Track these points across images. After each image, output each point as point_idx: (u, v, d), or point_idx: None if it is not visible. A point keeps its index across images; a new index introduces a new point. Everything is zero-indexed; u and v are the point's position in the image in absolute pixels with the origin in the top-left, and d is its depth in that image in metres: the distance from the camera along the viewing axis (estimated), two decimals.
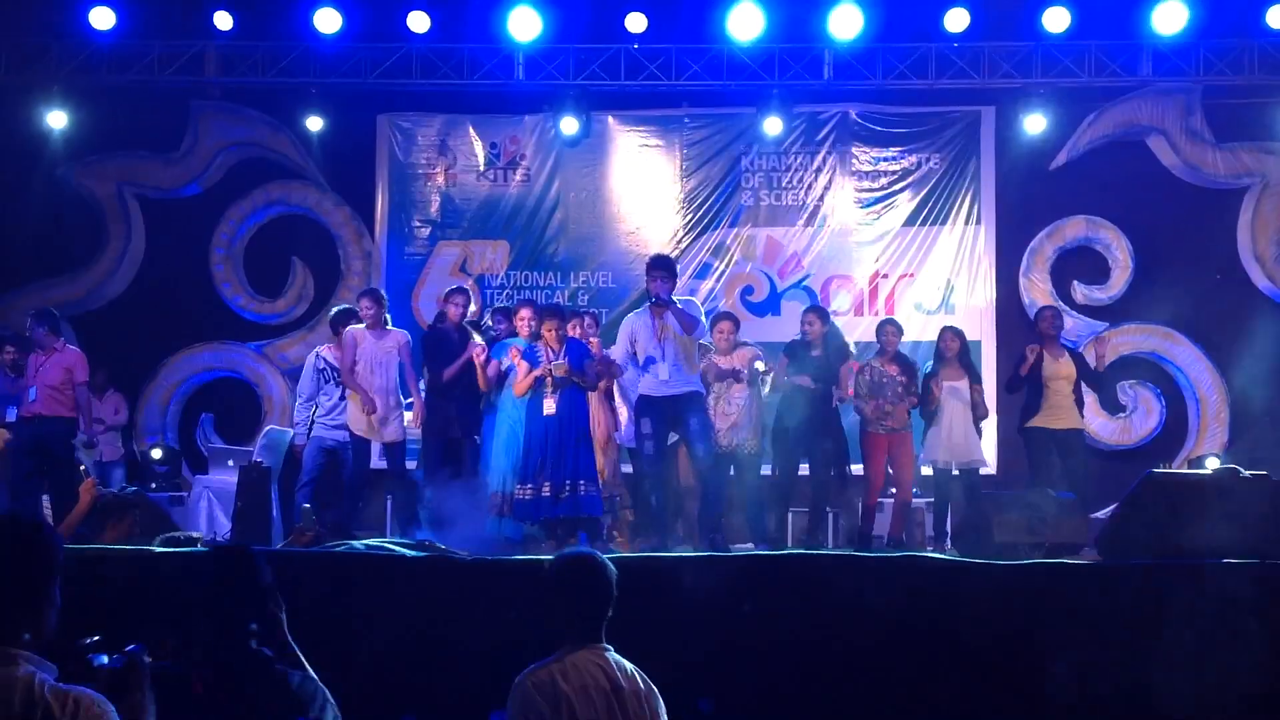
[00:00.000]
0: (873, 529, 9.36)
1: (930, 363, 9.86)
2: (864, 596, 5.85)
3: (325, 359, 9.64)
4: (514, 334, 9.17)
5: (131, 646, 2.81)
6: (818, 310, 9.79)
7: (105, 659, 2.78)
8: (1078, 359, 9.68)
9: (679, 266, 10.03)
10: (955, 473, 9.52)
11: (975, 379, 9.59)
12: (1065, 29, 11.70)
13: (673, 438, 8.79)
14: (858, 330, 11.85)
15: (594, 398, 9.01)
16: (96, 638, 2.84)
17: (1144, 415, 12.26)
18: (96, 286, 12.71)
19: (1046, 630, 5.65)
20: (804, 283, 12.66)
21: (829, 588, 5.92)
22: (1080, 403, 9.55)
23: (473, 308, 10.06)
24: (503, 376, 9.00)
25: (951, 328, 9.94)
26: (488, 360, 9.06)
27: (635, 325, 8.58)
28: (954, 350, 9.59)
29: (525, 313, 9.14)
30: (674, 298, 8.45)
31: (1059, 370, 9.45)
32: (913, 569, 6.13)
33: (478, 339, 9.33)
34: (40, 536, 2.71)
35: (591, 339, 9.38)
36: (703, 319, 8.69)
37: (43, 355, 9.63)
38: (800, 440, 9.16)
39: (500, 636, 5.58)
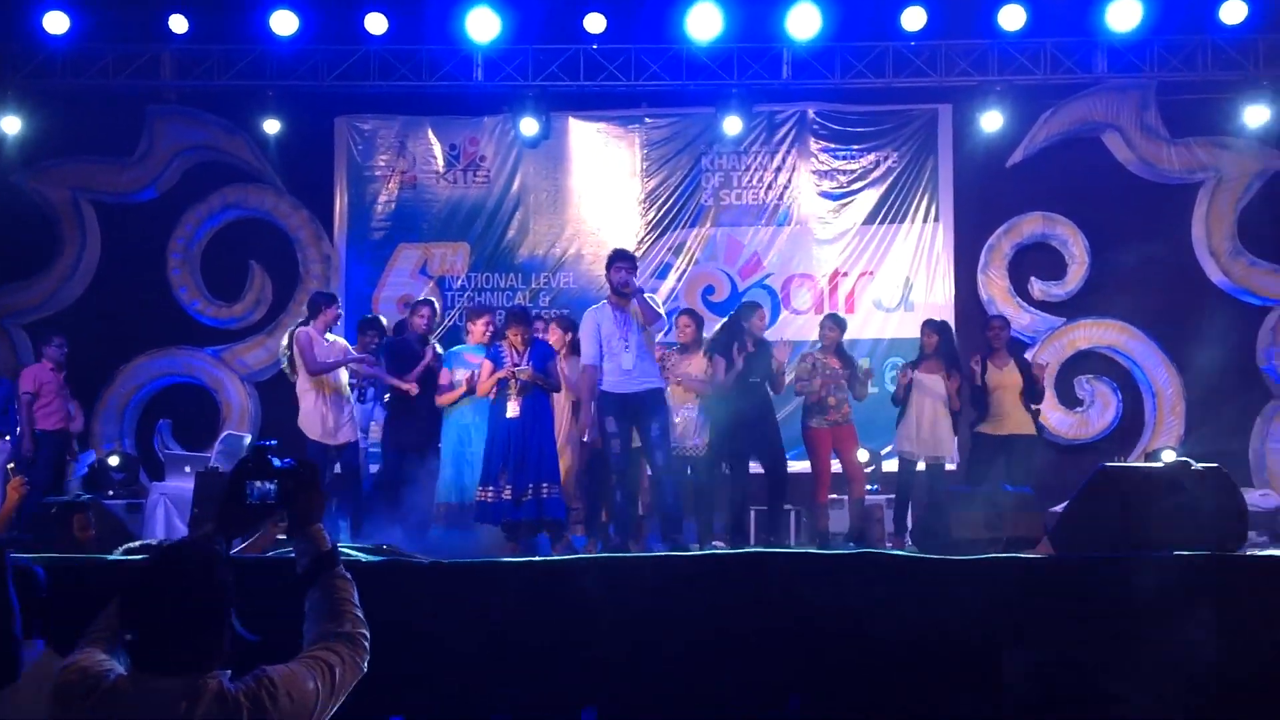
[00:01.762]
0: (829, 525, 9.37)
1: (897, 359, 9.90)
2: (824, 593, 5.87)
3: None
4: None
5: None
6: (758, 306, 9.66)
7: (278, 461, 2.93)
8: (1024, 369, 9.67)
9: (640, 266, 10.03)
10: (920, 466, 9.56)
11: (953, 372, 9.58)
12: (1021, 27, 11.81)
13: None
14: (815, 329, 11.86)
15: (558, 400, 8.99)
16: (274, 441, 3.00)
17: (1101, 409, 12.35)
18: (52, 293, 12.59)
19: (1004, 624, 5.68)
20: (765, 281, 12.69)
21: (791, 585, 5.94)
22: (1028, 406, 9.56)
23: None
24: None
25: (931, 321, 9.96)
26: (438, 368, 9.07)
27: (599, 318, 8.51)
28: (932, 345, 9.63)
29: (481, 322, 9.15)
30: (639, 290, 8.42)
31: (1003, 380, 9.52)
32: (871, 565, 6.16)
33: (438, 348, 9.35)
34: (218, 565, 2.72)
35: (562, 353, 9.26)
36: (662, 313, 8.65)
37: None
38: (748, 439, 9.06)
39: (460, 639, 5.58)
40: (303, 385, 9.11)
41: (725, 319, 9.66)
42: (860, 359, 9.96)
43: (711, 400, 9.04)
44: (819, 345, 9.68)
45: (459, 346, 9.41)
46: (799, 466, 9.67)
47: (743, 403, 8.88)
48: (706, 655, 5.71)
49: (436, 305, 9.95)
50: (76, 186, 12.64)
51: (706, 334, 9.58)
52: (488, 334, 9.11)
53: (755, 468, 9.18)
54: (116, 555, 5.76)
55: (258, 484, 2.90)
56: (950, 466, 9.94)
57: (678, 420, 9.07)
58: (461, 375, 8.91)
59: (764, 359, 9.04)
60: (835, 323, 9.68)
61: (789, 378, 9.53)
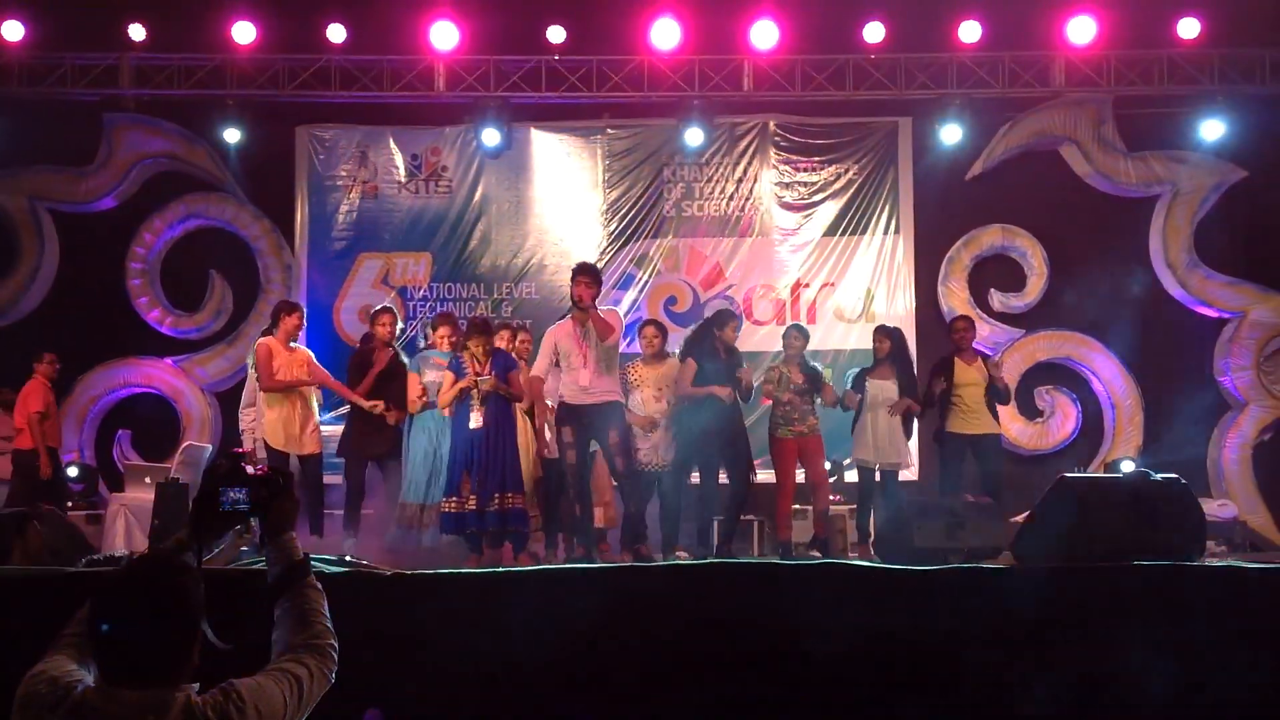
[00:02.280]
0: (791, 535, 9.38)
1: (828, 369, 9.94)
2: (787, 605, 5.89)
3: None
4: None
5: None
6: (734, 315, 9.70)
7: (251, 468, 2.93)
8: (990, 368, 9.74)
9: (603, 277, 10.03)
10: (878, 475, 9.58)
11: (905, 380, 9.60)
12: (979, 41, 11.91)
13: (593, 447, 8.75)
14: (779, 340, 11.90)
15: (520, 410, 9.00)
16: (246, 449, 2.99)
17: (1061, 420, 12.44)
18: (10, 302, 12.45)
19: (965, 634, 5.71)
20: (726, 292, 12.73)
21: (753, 597, 5.95)
22: (993, 407, 9.64)
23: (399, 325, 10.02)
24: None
25: (883, 327, 10.00)
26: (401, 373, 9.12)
27: (558, 335, 8.56)
28: (884, 350, 9.66)
29: (444, 330, 9.19)
30: (597, 306, 8.44)
31: (969, 377, 9.56)
32: (833, 576, 6.18)
33: (404, 358, 9.37)
34: (188, 577, 2.71)
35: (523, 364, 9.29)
36: (619, 326, 8.64)
37: None
38: (715, 448, 9.06)
39: (424, 649, 5.57)
40: (266, 395, 9.10)
41: (698, 324, 9.71)
42: (823, 368, 10.00)
43: (681, 407, 9.02)
44: (783, 356, 9.68)
45: (427, 351, 9.42)
46: (766, 476, 9.68)
47: (712, 412, 8.90)
48: (668, 667, 5.71)
49: (397, 311, 9.94)
50: (34, 195, 12.52)
51: (671, 345, 9.58)
52: (446, 343, 9.15)
53: (723, 477, 9.19)
54: (79, 568, 5.73)
55: (230, 492, 2.90)
56: (906, 474, 9.99)
57: (652, 435, 9.05)
58: (431, 377, 8.98)
59: (731, 369, 9.06)
60: (799, 333, 9.68)
61: (756, 383, 9.54)
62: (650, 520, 8.82)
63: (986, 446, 9.52)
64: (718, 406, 8.91)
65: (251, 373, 9.38)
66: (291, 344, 9.30)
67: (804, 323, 11.30)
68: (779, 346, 10.65)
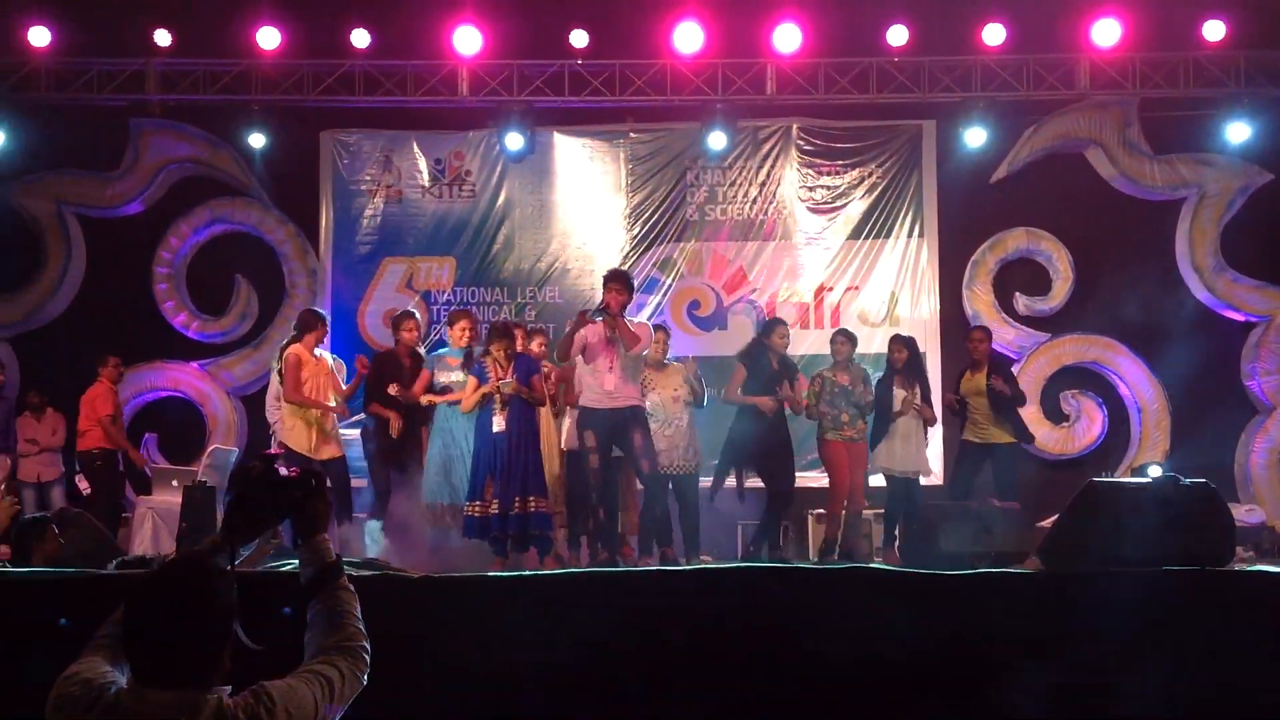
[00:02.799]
0: (838, 534, 9.40)
1: (879, 373, 9.96)
2: (812, 608, 5.87)
3: None
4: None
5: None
6: (784, 323, 9.77)
7: (283, 470, 2.93)
8: (991, 376, 9.68)
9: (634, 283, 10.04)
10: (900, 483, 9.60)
11: (921, 389, 9.65)
12: (1003, 43, 11.87)
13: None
14: (804, 344, 11.91)
15: (544, 414, 9.01)
16: (280, 451, 2.99)
17: (1087, 424, 12.38)
18: (37, 306, 12.54)
19: (993, 640, 5.69)
20: (749, 296, 12.71)
21: (781, 600, 5.94)
22: (1009, 417, 9.62)
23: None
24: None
25: (900, 337, 10.01)
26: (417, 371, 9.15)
27: (590, 334, 8.56)
28: (902, 360, 9.67)
29: (463, 323, 9.22)
30: (626, 317, 8.45)
31: (975, 386, 9.62)
32: (861, 580, 6.17)
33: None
34: (220, 579, 2.71)
35: (546, 364, 9.33)
36: (646, 339, 8.63)
37: None
38: (756, 454, 9.13)
39: (451, 652, 5.57)
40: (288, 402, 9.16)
41: (755, 336, 9.82)
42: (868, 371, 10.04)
43: (735, 416, 9.23)
44: (832, 362, 9.71)
45: (442, 350, 9.47)
46: (804, 480, 9.79)
47: (755, 421, 8.98)
48: (694, 672, 5.71)
49: (419, 315, 9.97)
50: (62, 200, 12.60)
51: (675, 351, 9.66)
52: (465, 337, 9.16)
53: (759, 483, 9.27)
54: (110, 570, 5.76)
55: (263, 494, 2.91)
56: (927, 480, 9.99)
57: (670, 433, 9.08)
58: (443, 378, 9.03)
59: (783, 379, 9.16)
60: (846, 338, 9.75)
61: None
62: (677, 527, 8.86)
63: (999, 456, 9.58)
64: (761, 415, 9.03)
65: (275, 377, 9.39)
66: (317, 351, 9.34)
67: (827, 326, 11.31)
68: (801, 350, 10.67)
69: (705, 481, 9.50)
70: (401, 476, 9.17)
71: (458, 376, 8.98)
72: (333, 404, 9.27)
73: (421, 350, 9.70)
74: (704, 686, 5.64)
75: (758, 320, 12.33)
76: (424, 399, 9.06)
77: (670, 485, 9.03)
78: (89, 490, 10.95)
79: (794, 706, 5.64)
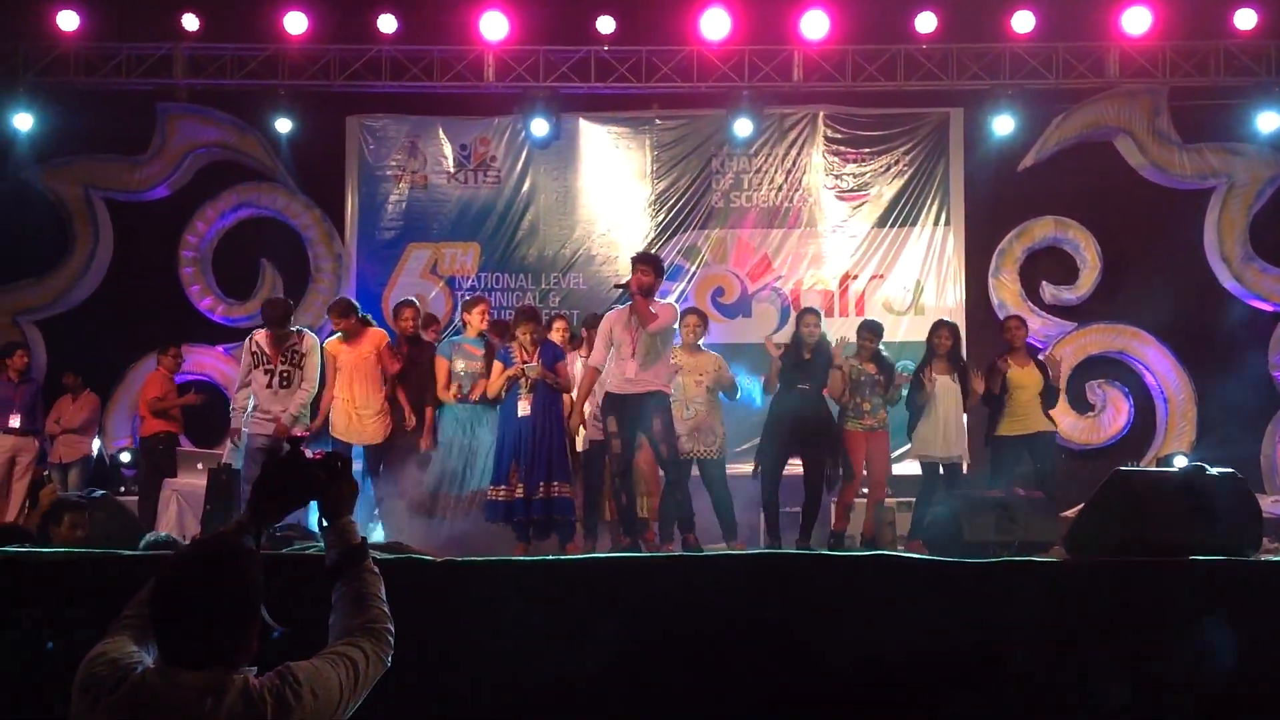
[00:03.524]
0: (846, 527, 9.36)
1: (906, 362, 9.92)
2: (836, 595, 5.86)
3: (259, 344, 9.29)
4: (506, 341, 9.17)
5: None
6: (816, 312, 9.73)
7: (309, 453, 2.97)
8: (1042, 369, 9.65)
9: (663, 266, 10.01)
10: (941, 470, 9.55)
11: (961, 376, 9.58)
12: (1032, 31, 11.80)
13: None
14: (828, 332, 11.84)
15: (567, 400, 9.01)
16: (307, 433, 3.02)
17: (1113, 414, 12.33)
18: (64, 290, 12.63)
19: (1017, 629, 5.67)
20: (774, 284, 12.69)
21: (804, 587, 5.93)
22: (1052, 403, 9.59)
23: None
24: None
25: (946, 322, 9.88)
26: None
27: (613, 321, 8.53)
28: (946, 346, 9.59)
29: (477, 311, 9.21)
30: (643, 293, 8.37)
31: (1023, 379, 9.48)
32: (886, 568, 6.15)
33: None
34: (248, 560, 2.73)
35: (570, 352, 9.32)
36: (666, 319, 8.54)
37: None
38: (794, 440, 9.12)
39: (469, 636, 5.58)
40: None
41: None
42: (899, 364, 10.01)
43: (770, 401, 9.28)
44: (857, 351, 9.66)
45: (458, 337, 9.47)
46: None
47: (799, 408, 9.04)
48: (716, 658, 5.70)
49: (418, 304, 9.99)
50: (89, 184, 12.67)
51: (711, 338, 9.62)
52: (485, 323, 9.17)
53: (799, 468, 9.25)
54: (141, 548, 5.78)
55: (289, 476, 2.92)
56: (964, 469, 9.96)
57: (689, 416, 9.06)
58: (461, 365, 9.01)
59: (819, 365, 9.12)
60: (872, 330, 9.71)
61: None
62: (701, 512, 8.84)
63: (1041, 444, 9.45)
64: (803, 403, 9.04)
65: (247, 357, 9.25)
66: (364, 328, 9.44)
67: (853, 315, 11.29)
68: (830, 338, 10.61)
69: (739, 468, 9.50)
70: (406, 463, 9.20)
71: (477, 365, 8.98)
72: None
73: (423, 335, 9.70)
74: (722, 673, 5.63)
75: (782, 307, 12.30)
76: (447, 396, 9.03)
77: (698, 470, 9.05)
78: (135, 471, 11.14)
79: (812, 695, 5.64)
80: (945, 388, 9.49)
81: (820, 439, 9.16)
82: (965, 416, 9.70)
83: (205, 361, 12.65)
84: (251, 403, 9.11)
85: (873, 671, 5.57)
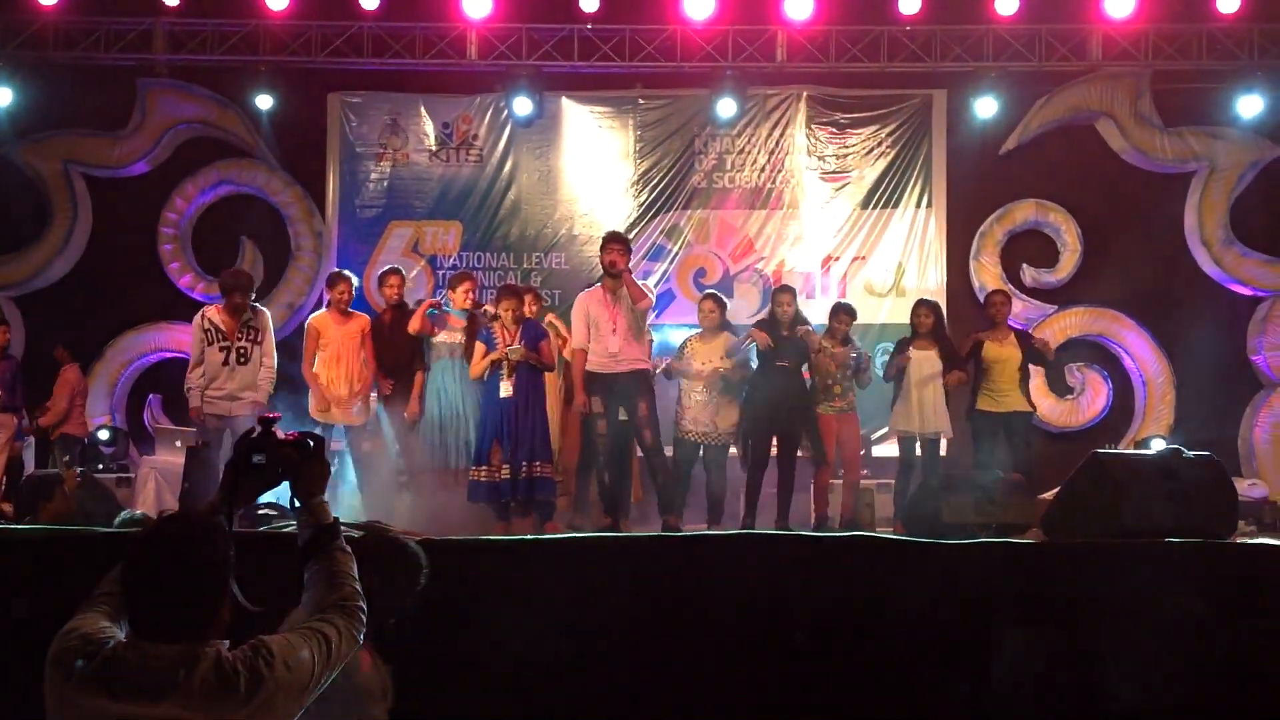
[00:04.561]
0: (826, 509, 9.39)
1: (888, 344, 9.94)
2: (817, 577, 5.87)
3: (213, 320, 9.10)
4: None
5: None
6: (791, 290, 9.72)
7: (282, 433, 2.97)
8: (1023, 339, 9.73)
9: (632, 248, 10.02)
10: (918, 446, 9.56)
11: (949, 354, 9.60)
12: (1016, 13, 11.79)
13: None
14: (809, 313, 11.85)
15: (552, 379, 9.03)
16: (279, 415, 3.04)
17: (1091, 397, 12.37)
18: (42, 265, 12.54)
19: (994, 610, 5.69)
20: (756, 265, 12.68)
21: (784, 569, 5.94)
22: (1025, 385, 9.62)
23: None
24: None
25: (927, 301, 9.96)
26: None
27: (589, 302, 8.55)
28: (928, 325, 9.62)
29: (466, 285, 9.23)
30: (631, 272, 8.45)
31: (1002, 354, 9.53)
32: (864, 549, 6.16)
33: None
34: (219, 536, 2.74)
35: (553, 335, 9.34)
36: (652, 299, 8.67)
37: None
38: (776, 418, 9.12)
39: (450, 615, 5.57)
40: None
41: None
42: (879, 347, 10.05)
43: (746, 382, 9.22)
44: (827, 333, 9.68)
45: (446, 307, 9.48)
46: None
47: (773, 387, 8.99)
48: (696, 639, 5.71)
49: (404, 273, 9.98)
50: (68, 159, 12.58)
51: (730, 318, 9.58)
52: (468, 300, 9.17)
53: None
54: (114, 527, 5.77)
55: (262, 455, 2.92)
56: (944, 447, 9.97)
57: (689, 404, 9.09)
58: (443, 335, 9.11)
59: (795, 344, 9.12)
60: (846, 312, 9.73)
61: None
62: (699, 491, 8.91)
63: (1017, 424, 9.50)
64: (782, 378, 9.04)
65: (199, 334, 9.07)
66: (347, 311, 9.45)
67: (835, 297, 11.30)
68: (813, 321, 10.61)
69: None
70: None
71: (459, 338, 9.02)
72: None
73: (409, 302, 9.71)
74: (705, 653, 5.65)
75: (764, 289, 12.29)
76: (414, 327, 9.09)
77: (701, 454, 9.12)
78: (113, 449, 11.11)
79: (793, 674, 5.65)
80: (924, 363, 9.51)
81: (798, 418, 9.16)
82: (945, 393, 9.72)
83: (184, 339, 12.50)
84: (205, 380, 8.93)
85: (851, 650, 5.59)
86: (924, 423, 9.49)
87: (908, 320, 9.90)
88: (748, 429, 9.18)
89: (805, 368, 9.34)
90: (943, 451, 9.71)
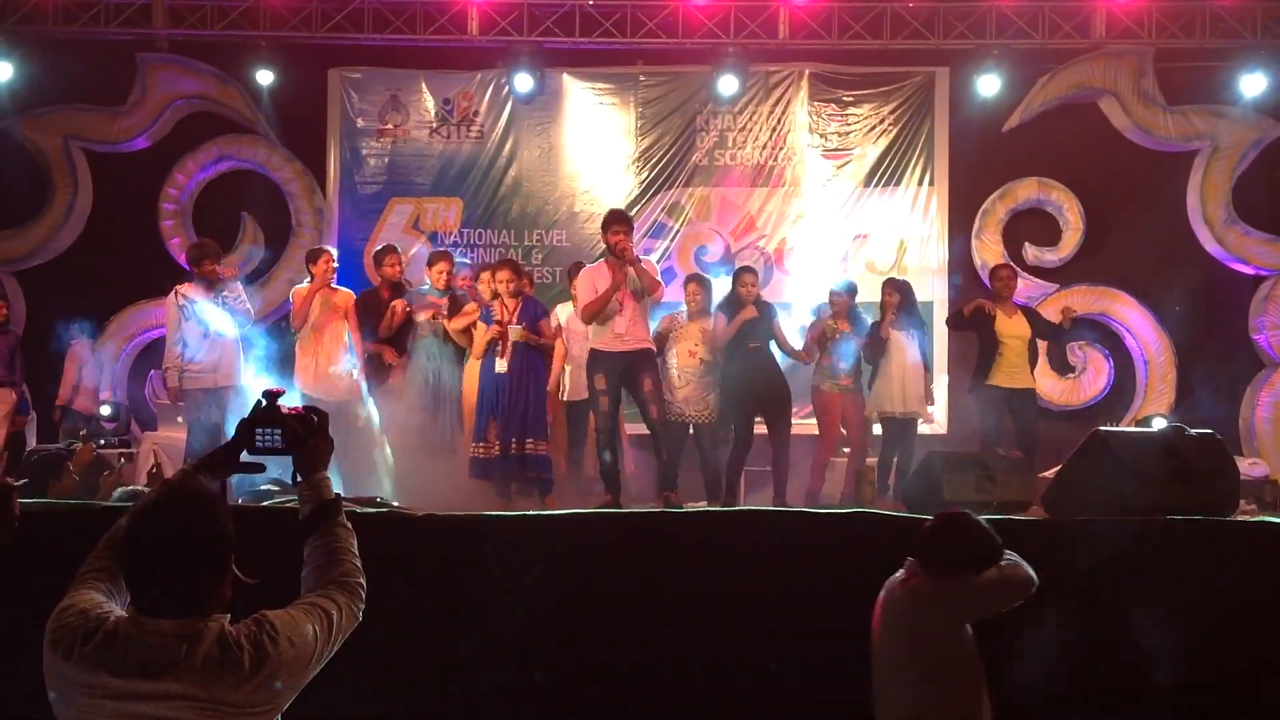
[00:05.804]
0: (822, 485, 9.39)
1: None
2: (818, 553, 5.89)
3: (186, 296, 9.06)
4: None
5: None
6: (753, 270, 9.69)
7: (285, 407, 2.96)
8: (1031, 316, 9.74)
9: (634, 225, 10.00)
10: (899, 426, 9.57)
11: (918, 333, 9.62)
12: None
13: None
14: (830, 295, 11.86)
15: (556, 355, 9.05)
16: (283, 389, 3.01)
17: (1093, 376, 12.36)
18: (43, 241, 12.51)
19: None
20: (758, 243, 12.66)
21: (786, 544, 5.96)
22: (1033, 362, 9.64)
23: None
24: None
25: (893, 280, 10.01)
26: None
27: (594, 276, 8.51)
28: (894, 304, 9.60)
29: (441, 265, 9.36)
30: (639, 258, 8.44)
31: (1012, 329, 9.52)
32: (865, 524, 6.18)
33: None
34: (219, 508, 2.71)
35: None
36: (662, 284, 8.66)
37: None
38: (754, 399, 9.11)
39: (450, 588, 5.59)
40: (299, 339, 9.23)
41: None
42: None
43: (721, 361, 9.13)
44: (831, 311, 9.68)
45: (423, 289, 9.53)
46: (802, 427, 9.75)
47: (748, 369, 8.96)
48: (695, 612, 5.73)
49: (400, 250, 9.99)
50: (68, 134, 12.52)
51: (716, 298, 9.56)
52: (442, 280, 9.22)
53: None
54: (113, 500, 5.77)
55: (265, 430, 2.91)
56: (930, 429, 9.98)
57: (681, 385, 9.08)
58: (423, 315, 9.16)
59: (764, 323, 9.10)
60: (848, 289, 9.72)
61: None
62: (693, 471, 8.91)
63: (1023, 401, 9.51)
64: (751, 361, 9.00)
65: (174, 313, 9.05)
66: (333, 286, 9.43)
67: (838, 274, 11.30)
68: (813, 299, 10.61)
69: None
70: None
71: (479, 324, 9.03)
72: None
73: (406, 282, 9.73)
74: (705, 626, 5.66)
75: (765, 266, 12.27)
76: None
77: (692, 432, 9.10)
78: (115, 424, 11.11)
79: (790, 649, 5.67)
80: (901, 344, 9.51)
81: (776, 397, 9.15)
82: (932, 376, 9.76)
83: None
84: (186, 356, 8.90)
85: (849, 626, 5.60)
86: (904, 402, 9.50)
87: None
88: (728, 412, 9.15)
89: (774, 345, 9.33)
90: (925, 430, 9.75)
